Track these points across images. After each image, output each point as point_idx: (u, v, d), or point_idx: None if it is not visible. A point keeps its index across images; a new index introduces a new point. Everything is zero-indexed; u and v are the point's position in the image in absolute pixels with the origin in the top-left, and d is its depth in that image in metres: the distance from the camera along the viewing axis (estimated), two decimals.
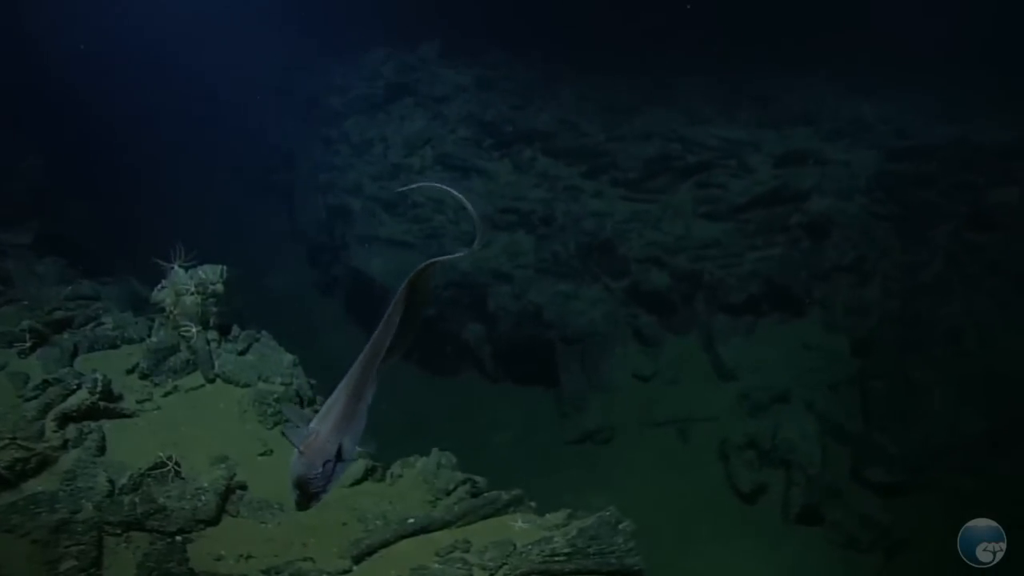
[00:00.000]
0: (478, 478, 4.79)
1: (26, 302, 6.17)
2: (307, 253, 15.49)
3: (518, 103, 13.01)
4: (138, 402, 4.89)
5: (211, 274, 5.54)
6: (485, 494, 4.20)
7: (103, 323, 5.73)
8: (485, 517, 4.05)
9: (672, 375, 10.97)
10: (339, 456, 2.35)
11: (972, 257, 10.80)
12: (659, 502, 9.53)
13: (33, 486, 3.70)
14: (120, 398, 4.77)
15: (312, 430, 2.37)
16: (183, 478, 3.95)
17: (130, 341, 5.67)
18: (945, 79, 13.68)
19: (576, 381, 11.05)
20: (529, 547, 3.67)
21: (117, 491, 3.67)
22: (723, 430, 10.03)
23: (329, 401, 2.46)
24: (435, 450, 5.32)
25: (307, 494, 2.36)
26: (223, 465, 4.25)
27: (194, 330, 5.30)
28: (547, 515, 4.08)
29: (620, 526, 3.66)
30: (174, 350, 5.27)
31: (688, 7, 14.20)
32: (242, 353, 5.66)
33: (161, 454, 3.94)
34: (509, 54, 14.58)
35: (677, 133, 11.96)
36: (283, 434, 2.56)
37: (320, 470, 2.31)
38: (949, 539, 9.46)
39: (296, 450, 2.32)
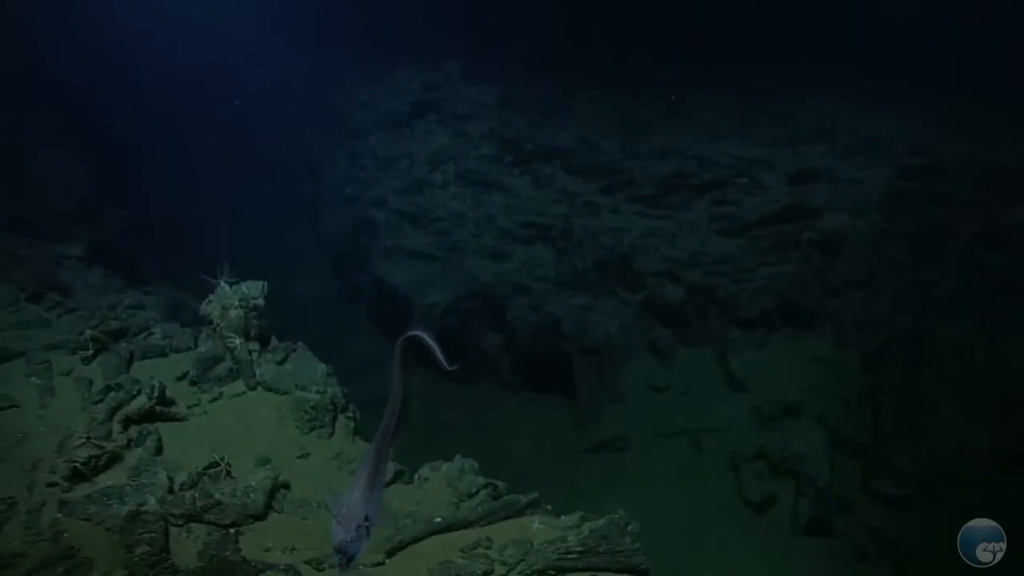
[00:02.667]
0: (499, 483, 5.17)
1: (83, 312, 6.70)
2: (332, 262, 16.01)
3: (539, 121, 13.43)
4: (188, 407, 5.34)
5: (253, 289, 6.00)
6: (505, 497, 4.58)
7: (153, 333, 6.22)
8: (505, 518, 4.42)
9: (685, 387, 11.27)
10: (367, 521, 2.75)
11: (984, 275, 10.99)
12: (671, 511, 9.82)
13: (104, 480, 4.15)
14: (173, 403, 5.22)
15: (345, 501, 2.79)
16: (234, 477, 4.38)
17: (178, 350, 6.15)
18: (959, 96, 13.87)
19: (592, 392, 11.39)
20: (545, 545, 4.03)
21: (177, 487, 4.11)
22: (734, 441, 10.30)
23: (356, 476, 2.90)
24: (459, 456, 5.72)
25: (345, 555, 2.74)
26: (268, 467, 4.68)
27: (237, 341, 5.75)
28: (562, 517, 4.44)
29: (629, 528, 4.02)
30: (219, 359, 5.72)
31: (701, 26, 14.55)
32: (281, 363, 6.10)
33: (215, 455, 4.37)
34: (531, 73, 15.03)
35: (693, 151, 12.29)
36: (325, 504, 3.02)
37: (354, 533, 2.71)
38: (957, 552, 9.64)
39: (334, 519, 2.73)
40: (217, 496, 3.99)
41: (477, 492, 4.89)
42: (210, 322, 5.82)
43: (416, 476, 5.32)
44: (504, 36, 15.36)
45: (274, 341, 6.33)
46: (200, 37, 17.10)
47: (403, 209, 13.59)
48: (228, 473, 4.41)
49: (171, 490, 4.14)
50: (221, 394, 5.68)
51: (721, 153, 12.27)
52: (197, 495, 3.96)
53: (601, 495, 10.33)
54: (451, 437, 12.16)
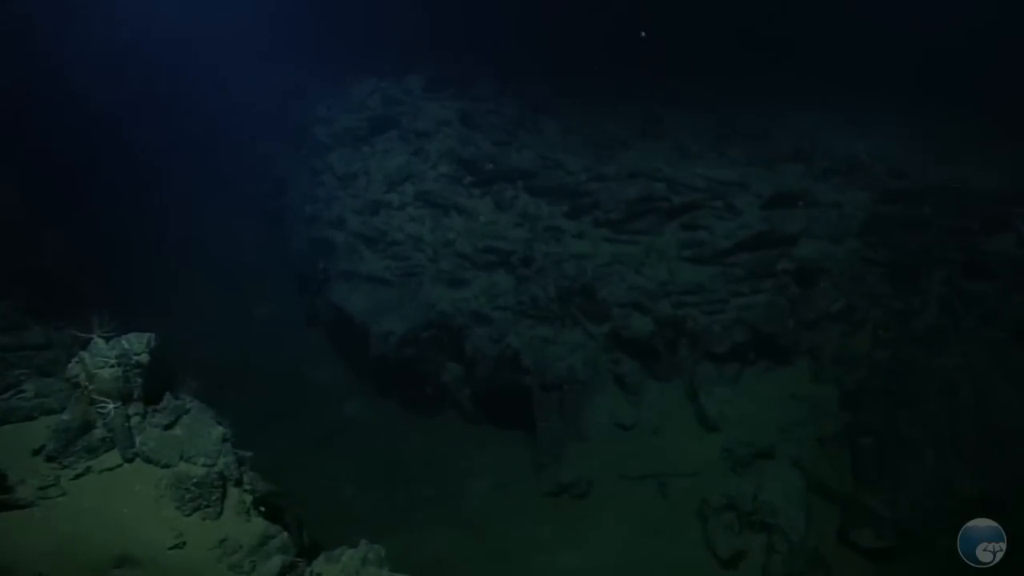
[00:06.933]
0: None
1: None
2: (295, 282, 15.20)
3: (502, 139, 12.69)
4: (40, 488, 4.56)
5: (136, 344, 5.20)
6: None
7: (23, 392, 5.40)
8: None
9: (654, 425, 10.53)
10: None
11: (968, 306, 10.33)
12: (633, 565, 9.07)
13: None
14: (18, 485, 4.43)
15: None
16: None
17: (50, 411, 5.34)
18: (943, 116, 13.28)
19: (553, 430, 10.63)
20: None
21: None
22: (704, 487, 9.57)
23: None
24: (364, 542, 4.97)
25: None
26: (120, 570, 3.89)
27: (110, 406, 4.96)
28: None
29: None
30: (88, 428, 4.93)
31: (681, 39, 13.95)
32: (169, 427, 5.31)
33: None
34: (496, 84, 14.29)
35: (662, 172, 11.56)
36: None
37: None
38: None
39: None
40: None
41: None
42: (76, 385, 5.01)
43: (309, 570, 4.55)
44: (471, 48, 14.66)
45: (167, 399, 5.53)
46: (156, 44, 16.33)
47: (361, 231, 12.81)
48: None
49: None
50: (89, 469, 4.89)
51: (693, 175, 11.55)
52: None
53: (560, 546, 9.57)
54: (406, 474, 11.36)
